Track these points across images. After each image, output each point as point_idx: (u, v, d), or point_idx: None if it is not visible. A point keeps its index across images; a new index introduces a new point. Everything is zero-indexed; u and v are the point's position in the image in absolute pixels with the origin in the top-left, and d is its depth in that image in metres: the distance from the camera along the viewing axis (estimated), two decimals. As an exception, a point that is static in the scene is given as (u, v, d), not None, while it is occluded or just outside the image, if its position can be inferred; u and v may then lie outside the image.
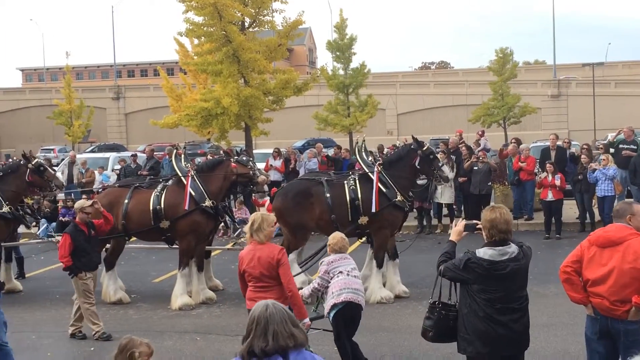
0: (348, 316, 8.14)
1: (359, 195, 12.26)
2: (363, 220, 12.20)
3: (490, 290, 5.84)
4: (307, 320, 7.58)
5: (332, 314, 8.08)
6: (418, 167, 12.45)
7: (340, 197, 12.34)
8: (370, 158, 13.20)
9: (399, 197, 12.19)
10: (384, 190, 12.21)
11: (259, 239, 7.44)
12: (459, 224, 6.36)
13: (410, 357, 9.05)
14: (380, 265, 12.20)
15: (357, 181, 12.46)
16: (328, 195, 12.34)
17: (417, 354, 9.06)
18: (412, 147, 12.62)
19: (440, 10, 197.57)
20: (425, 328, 6.33)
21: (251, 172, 12.72)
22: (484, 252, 5.89)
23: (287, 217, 12.36)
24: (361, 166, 12.80)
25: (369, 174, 12.42)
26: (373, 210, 12.09)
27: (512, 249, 5.91)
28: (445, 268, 6.05)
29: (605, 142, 25.58)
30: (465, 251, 6.02)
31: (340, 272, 8.18)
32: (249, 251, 7.51)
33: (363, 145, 13.30)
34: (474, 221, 6.39)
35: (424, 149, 12.42)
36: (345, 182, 12.56)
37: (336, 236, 8.52)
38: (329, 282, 8.18)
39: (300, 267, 12.34)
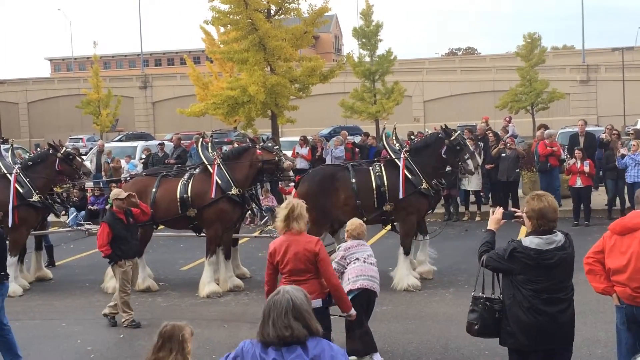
0: (364, 303, 8.13)
1: (385, 182, 12.22)
2: (388, 207, 12.18)
3: (536, 280, 5.62)
4: (353, 311, 7.46)
5: None
6: (444, 156, 12.37)
7: (366, 183, 12.30)
8: (397, 145, 13.14)
9: (424, 185, 12.14)
10: (409, 177, 12.16)
11: (298, 228, 7.11)
12: (497, 212, 6.17)
13: (438, 344, 8.99)
14: (407, 252, 12.15)
15: (383, 167, 12.43)
16: (354, 180, 12.30)
17: (444, 342, 9.02)
18: (439, 135, 12.55)
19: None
20: (470, 322, 6.03)
21: (277, 157, 12.72)
22: (530, 241, 5.66)
23: (312, 203, 12.30)
24: (388, 153, 12.74)
25: (396, 160, 12.37)
26: (400, 196, 12.06)
27: (559, 237, 5.70)
28: (487, 258, 5.81)
29: (636, 127, 25.30)
30: (510, 240, 5.80)
31: (357, 258, 8.15)
32: (282, 242, 7.18)
33: (394, 132, 13.28)
34: (513, 209, 6.27)
35: (452, 138, 12.30)
36: (370, 168, 12.54)
37: (354, 222, 8.46)
38: (345, 268, 8.15)
39: None
